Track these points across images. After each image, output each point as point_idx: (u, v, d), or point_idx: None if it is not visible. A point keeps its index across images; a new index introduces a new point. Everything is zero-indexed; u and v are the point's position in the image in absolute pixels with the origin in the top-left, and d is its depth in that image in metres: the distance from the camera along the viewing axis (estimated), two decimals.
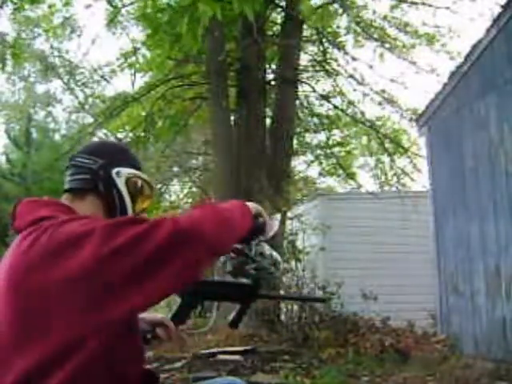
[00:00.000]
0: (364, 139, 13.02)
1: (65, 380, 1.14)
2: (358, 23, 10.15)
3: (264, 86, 8.94)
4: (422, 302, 7.28)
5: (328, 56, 10.49)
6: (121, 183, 1.48)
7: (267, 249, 1.63)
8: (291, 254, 7.14)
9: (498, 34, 5.78)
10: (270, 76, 10.03)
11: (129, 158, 1.56)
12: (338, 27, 10.68)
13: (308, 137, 13.78)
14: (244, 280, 1.61)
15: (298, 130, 12.24)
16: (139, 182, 1.54)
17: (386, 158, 11.70)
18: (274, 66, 10.27)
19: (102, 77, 12.98)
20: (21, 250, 1.22)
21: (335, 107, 11.11)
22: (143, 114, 9.72)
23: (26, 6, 8.75)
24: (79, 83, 16.45)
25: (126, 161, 1.53)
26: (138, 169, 1.55)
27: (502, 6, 5.78)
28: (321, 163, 14.19)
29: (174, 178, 15.74)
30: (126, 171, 1.50)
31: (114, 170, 1.48)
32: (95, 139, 13.02)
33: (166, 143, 11.02)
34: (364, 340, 5.93)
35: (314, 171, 15.88)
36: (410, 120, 10.42)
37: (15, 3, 8.45)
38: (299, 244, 7.41)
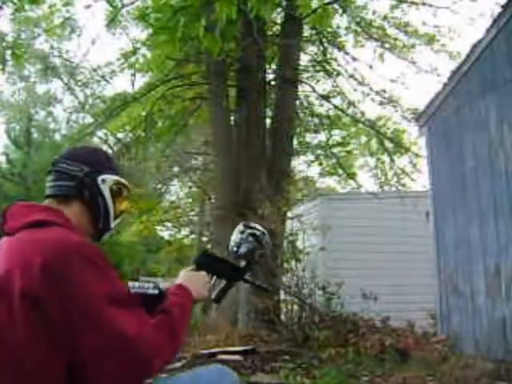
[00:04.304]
0: (364, 139, 13.02)
1: None
2: (358, 23, 10.15)
3: (264, 86, 8.92)
4: (421, 302, 7.26)
5: (328, 56, 10.50)
6: (106, 190, 1.50)
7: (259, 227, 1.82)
8: (291, 254, 7.13)
9: (498, 33, 5.78)
10: (270, 76, 10.02)
11: (111, 164, 1.58)
12: (338, 27, 10.67)
13: (308, 137, 13.80)
14: (242, 262, 1.77)
15: (298, 130, 12.23)
16: (121, 188, 1.56)
17: (386, 158, 11.70)
18: (274, 66, 10.26)
19: (102, 77, 12.94)
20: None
21: (335, 107, 11.11)
22: (143, 113, 9.70)
23: (26, 7, 8.74)
24: (79, 83, 16.45)
25: (110, 168, 1.55)
26: (119, 174, 1.58)
27: (502, 6, 5.78)
28: (321, 163, 14.20)
29: (174, 178, 15.76)
30: (111, 178, 1.52)
31: (100, 178, 1.49)
32: (95, 140, 13.05)
33: (166, 143, 11.02)
34: (364, 340, 5.92)
35: (314, 171, 15.90)
36: (410, 120, 10.42)
37: (15, 3, 8.44)
38: (299, 244, 7.41)
